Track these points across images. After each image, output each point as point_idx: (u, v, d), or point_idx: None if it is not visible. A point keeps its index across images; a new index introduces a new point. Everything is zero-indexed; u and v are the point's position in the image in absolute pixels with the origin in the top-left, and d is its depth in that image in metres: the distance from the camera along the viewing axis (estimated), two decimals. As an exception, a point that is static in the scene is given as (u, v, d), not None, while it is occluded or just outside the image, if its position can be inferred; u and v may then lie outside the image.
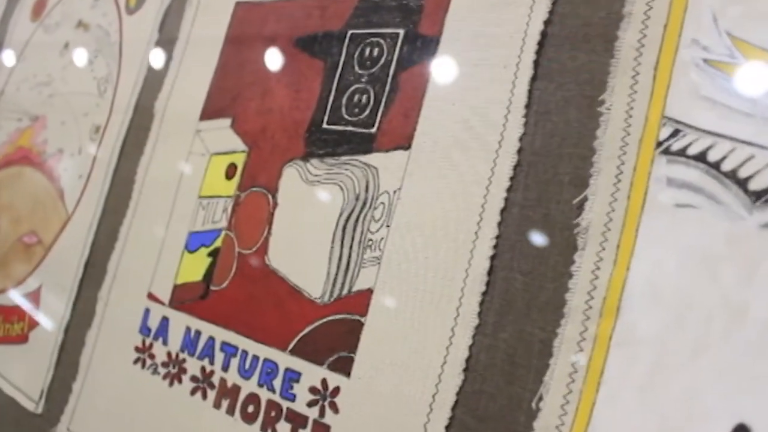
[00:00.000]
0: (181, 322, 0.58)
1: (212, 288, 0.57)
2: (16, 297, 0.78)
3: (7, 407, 0.72)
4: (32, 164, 0.84)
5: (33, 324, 0.74)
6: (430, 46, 0.49)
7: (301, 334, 0.49)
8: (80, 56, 0.83)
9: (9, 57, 0.98)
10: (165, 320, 0.60)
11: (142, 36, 0.75)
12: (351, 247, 0.48)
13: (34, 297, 0.75)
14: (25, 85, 0.92)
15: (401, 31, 0.51)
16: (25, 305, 0.76)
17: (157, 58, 0.72)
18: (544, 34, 0.44)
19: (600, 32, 0.43)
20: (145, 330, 0.61)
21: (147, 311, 0.62)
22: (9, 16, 1.02)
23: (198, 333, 0.57)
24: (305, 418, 0.47)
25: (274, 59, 0.60)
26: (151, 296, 0.62)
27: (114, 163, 0.71)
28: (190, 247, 0.60)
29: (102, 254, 0.69)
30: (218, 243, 0.58)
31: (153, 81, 0.72)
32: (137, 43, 0.75)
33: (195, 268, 0.59)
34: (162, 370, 0.58)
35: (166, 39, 0.72)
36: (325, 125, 0.54)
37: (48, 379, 0.69)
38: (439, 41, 0.49)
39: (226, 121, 0.62)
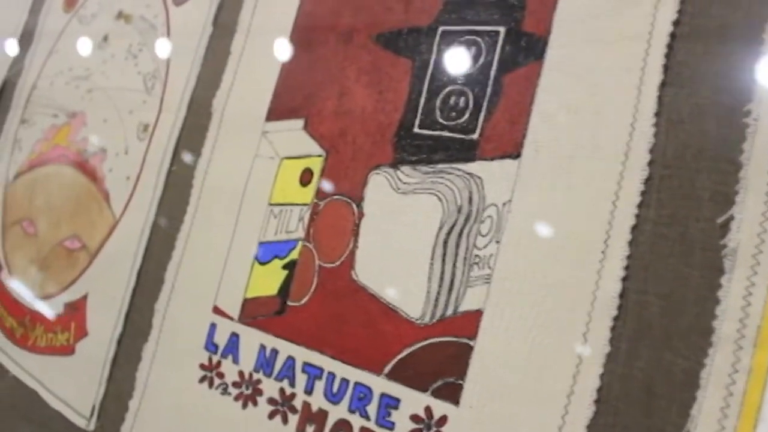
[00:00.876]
0: (253, 339, 0.57)
1: (290, 303, 0.56)
2: (58, 305, 0.76)
3: (53, 421, 0.71)
4: (72, 163, 0.82)
5: (80, 334, 0.73)
6: (536, 47, 0.47)
7: (398, 357, 0.48)
8: (122, 49, 0.81)
9: (41, 49, 0.96)
10: (234, 337, 0.58)
11: (192, 28, 0.73)
12: (454, 264, 0.47)
13: (80, 306, 0.74)
14: (60, 79, 0.90)
15: (501, 29, 0.50)
16: (70, 314, 0.74)
17: (212, 52, 0.70)
18: (672, 35, 0.42)
19: (739, 34, 0.41)
20: (211, 346, 0.60)
21: (213, 326, 0.60)
22: (39, 6, 1.00)
23: (275, 352, 0.55)
24: (408, 448, 0.45)
25: (351, 56, 0.58)
26: (218, 310, 0.60)
27: (167, 165, 0.69)
28: (262, 259, 0.59)
29: (156, 263, 0.67)
30: (294, 255, 0.56)
31: (208, 77, 0.70)
32: (187, 36, 0.73)
33: (268, 281, 0.58)
34: (233, 391, 0.56)
35: (222, 32, 0.70)
36: (416, 129, 0.52)
37: (100, 395, 0.68)
38: (547, 41, 0.47)
39: (298, 123, 0.60)
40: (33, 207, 0.86)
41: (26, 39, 1.01)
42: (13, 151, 0.94)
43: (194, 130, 0.69)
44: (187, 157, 0.69)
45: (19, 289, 0.84)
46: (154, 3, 0.80)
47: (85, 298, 0.74)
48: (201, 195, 0.66)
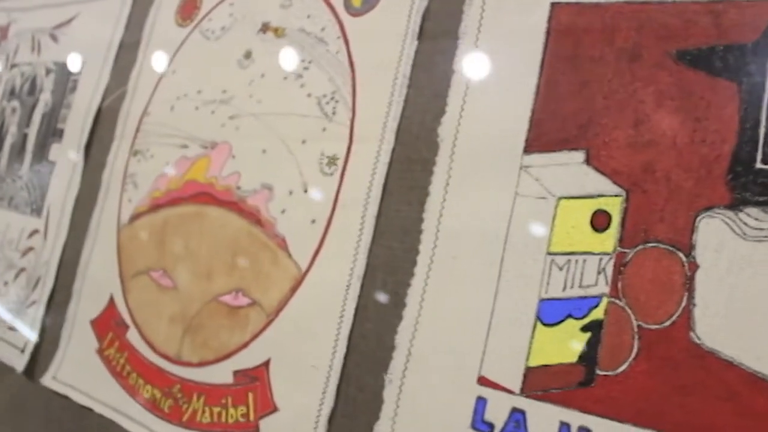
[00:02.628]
0: (548, 415, 0.52)
1: (600, 372, 0.51)
2: (224, 373, 0.70)
3: None
4: (220, 203, 0.76)
5: (264, 409, 0.67)
6: None
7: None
8: (277, 68, 0.76)
9: (148, 69, 0.90)
10: (518, 413, 0.53)
11: (386, 41, 0.68)
12: None
13: (259, 375, 0.68)
14: (184, 104, 0.84)
15: None
16: (245, 384, 0.68)
17: (420, 69, 0.65)
18: None
19: None
20: (481, 425, 0.54)
21: (481, 401, 0.55)
22: (140, 19, 0.94)
23: (585, 430, 0.50)
24: None
25: (643, 77, 0.54)
26: (486, 381, 0.55)
27: (374, 207, 0.64)
28: (548, 320, 0.54)
29: (375, 324, 0.62)
30: (598, 314, 0.52)
31: (419, 99, 0.65)
32: (378, 51, 0.69)
33: (562, 346, 0.53)
34: (529, 479, 0.51)
35: (432, 44, 0.65)
36: (759, 165, 0.48)
37: (310, 484, 0.61)
38: None
39: (576, 156, 0.55)
40: (166, 254, 0.80)
41: (126, 58, 0.95)
42: (125, 189, 0.88)
43: (409, 163, 0.64)
44: (401, 196, 0.63)
45: (159, 352, 0.77)
46: (320, 14, 0.75)
47: (265, 365, 0.68)
48: (436, 242, 0.60)
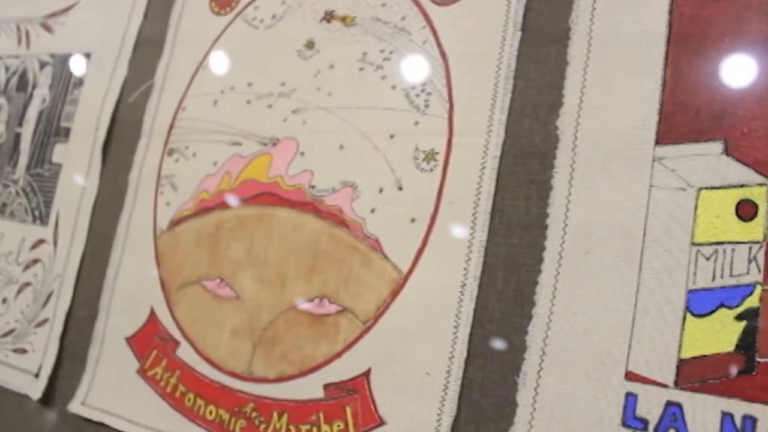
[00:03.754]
0: (708, 406, 0.54)
1: (760, 359, 0.53)
2: (312, 386, 0.69)
3: None
4: (290, 204, 0.75)
5: (367, 423, 0.66)
6: None
7: None
8: (349, 58, 0.76)
9: (179, 61, 0.87)
10: (674, 407, 0.55)
11: (480, 33, 0.70)
12: None
13: (359, 386, 0.67)
14: (232, 98, 0.82)
15: None
16: (341, 397, 0.67)
17: (526, 61, 0.67)
18: None
19: None
20: (633, 422, 0.56)
21: (631, 397, 0.57)
22: (164, 8, 0.91)
23: (751, 420, 0.52)
24: None
25: (780, 67, 0.57)
26: (634, 376, 0.57)
27: (488, 201, 0.65)
28: (698, 310, 0.56)
29: (498, 324, 0.63)
30: (752, 302, 0.55)
31: (532, 93, 0.67)
32: (475, 42, 0.70)
33: (716, 336, 0.55)
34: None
35: (540, 37, 0.67)
36: None
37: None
38: None
39: (714, 146, 0.58)
40: (222, 262, 0.78)
41: (146, 49, 0.91)
42: (160, 191, 0.84)
43: (523, 156, 0.65)
44: (519, 191, 0.64)
45: (222, 369, 0.74)
46: (397, 2, 0.75)
47: (365, 376, 0.67)
48: (564, 237, 0.62)
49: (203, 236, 0.81)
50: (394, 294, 0.68)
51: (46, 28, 1.04)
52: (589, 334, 0.60)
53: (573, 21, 0.66)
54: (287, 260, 0.74)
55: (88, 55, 0.98)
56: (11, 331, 0.93)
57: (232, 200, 0.80)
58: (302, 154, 0.77)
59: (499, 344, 0.63)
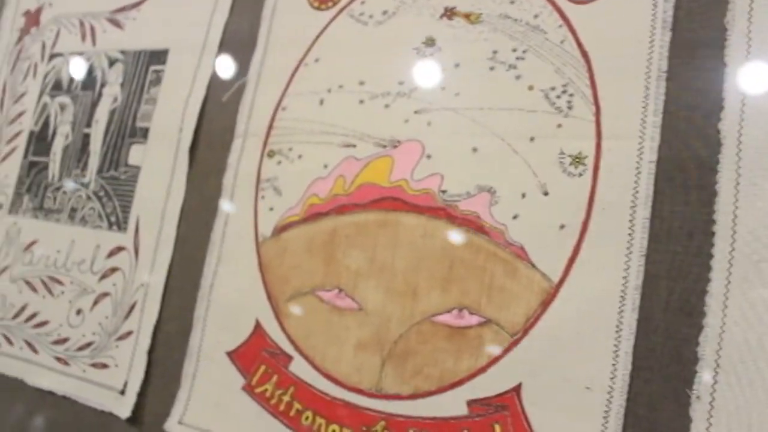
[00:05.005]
0: None
1: None
2: (455, 402, 0.68)
3: None
4: (418, 210, 0.74)
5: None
6: None
7: None
8: (476, 57, 0.76)
9: (273, 57, 0.87)
10: None
11: (624, 33, 0.70)
12: None
13: (509, 402, 0.67)
14: (342, 97, 0.82)
15: None
16: (488, 414, 0.67)
17: (682, 63, 0.67)
18: None
19: None
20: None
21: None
22: (257, 4, 0.90)
23: None
24: None
25: None
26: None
27: (646, 208, 0.65)
28: None
29: (664, 336, 0.63)
30: None
31: (687, 96, 0.67)
32: (615, 42, 0.70)
33: None
34: None
35: (693, 38, 0.68)
36: None
37: None
38: None
39: None
40: (340, 271, 0.77)
41: (234, 45, 0.90)
42: (261, 195, 0.83)
43: (680, 161, 0.66)
44: (678, 197, 0.65)
45: (346, 385, 0.73)
46: (528, -1, 0.75)
47: (515, 391, 0.67)
48: (734, 244, 0.62)
49: (316, 243, 0.80)
50: (545, 304, 0.67)
51: (115, 23, 1.03)
52: (764, 347, 0.60)
53: (729, 22, 0.67)
54: (418, 269, 0.74)
55: (164, 52, 0.96)
56: (88, 345, 0.91)
57: (347, 206, 0.79)
58: (429, 156, 0.76)
59: (666, 356, 0.63)
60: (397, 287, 0.74)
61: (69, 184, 0.99)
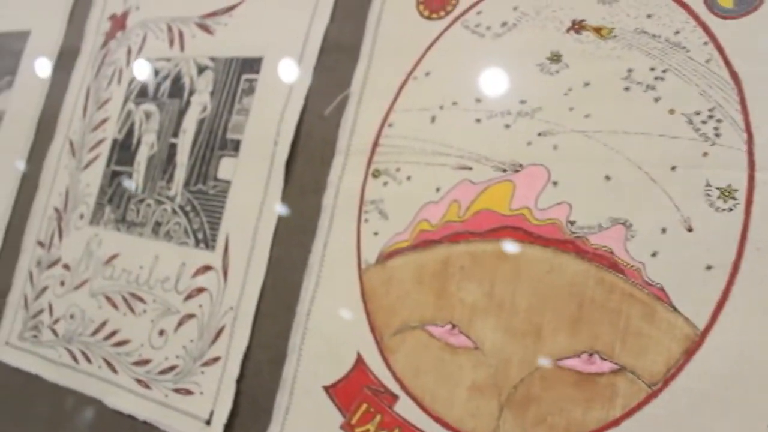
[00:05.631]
0: None
1: None
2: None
3: None
4: (542, 242, 0.70)
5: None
6: None
7: None
8: (609, 75, 0.71)
9: (380, 68, 0.83)
10: None
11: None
12: None
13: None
14: (456, 114, 0.78)
15: None
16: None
17: None
18: None
19: None
20: None
21: None
22: (355, 9, 0.87)
23: None
24: None
25: None
26: None
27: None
28: None
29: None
30: None
31: None
32: (764, 63, 0.64)
33: None
34: None
35: None
36: None
37: None
38: None
39: None
40: (454, 305, 0.73)
41: (333, 54, 0.87)
42: (365, 218, 0.80)
43: None
44: None
45: (459, 431, 0.69)
46: (667, 13, 0.70)
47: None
48: None
49: (426, 273, 0.76)
50: (689, 353, 0.62)
51: (204, 28, 1.00)
52: None
53: None
54: (542, 308, 0.69)
55: (258, 60, 0.94)
56: (171, 368, 0.88)
57: (462, 234, 0.75)
58: (555, 183, 0.72)
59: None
60: (518, 326, 0.70)
61: (150, 197, 0.97)
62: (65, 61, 1.18)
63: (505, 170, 0.75)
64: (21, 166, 1.16)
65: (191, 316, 0.89)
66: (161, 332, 0.91)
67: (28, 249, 1.12)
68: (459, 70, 0.80)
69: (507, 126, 0.76)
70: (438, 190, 0.77)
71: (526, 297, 0.70)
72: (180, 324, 0.90)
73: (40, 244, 1.10)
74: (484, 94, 0.78)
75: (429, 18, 0.84)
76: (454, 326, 0.73)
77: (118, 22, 1.11)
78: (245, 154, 0.92)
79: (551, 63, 0.75)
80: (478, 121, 0.77)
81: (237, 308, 0.86)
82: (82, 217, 1.06)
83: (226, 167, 0.92)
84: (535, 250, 0.71)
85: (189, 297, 0.90)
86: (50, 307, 1.06)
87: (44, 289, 1.08)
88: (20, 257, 1.13)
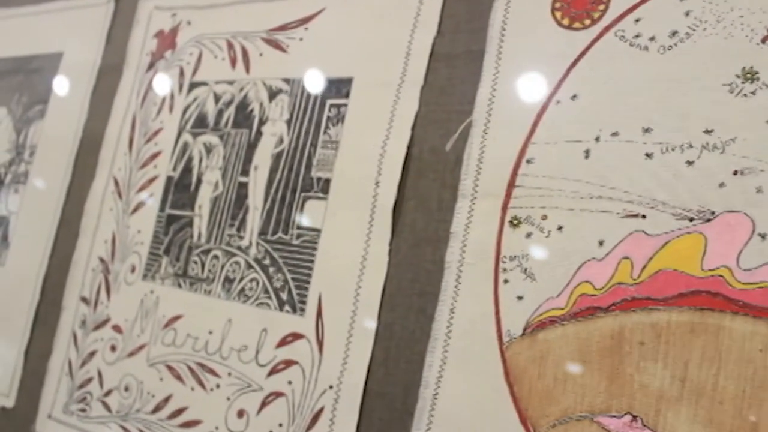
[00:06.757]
0: None
1: None
2: None
3: None
4: (751, 312, 0.57)
5: None
6: None
7: None
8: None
9: (516, 92, 0.70)
10: None
11: None
12: None
13: None
14: (618, 148, 0.66)
15: None
16: None
17: None
18: None
19: None
20: None
21: None
22: (477, 20, 0.74)
23: None
24: None
25: None
26: None
27: None
28: None
29: None
30: None
31: None
32: None
33: None
34: None
35: None
36: None
37: None
38: None
39: None
40: (632, 390, 0.61)
41: (443, 72, 0.74)
42: (504, 279, 0.67)
43: None
44: None
45: None
46: None
47: None
48: None
49: (593, 350, 0.63)
50: None
51: (275, 44, 0.87)
52: None
53: None
54: (756, 395, 0.56)
55: (347, 81, 0.80)
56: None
57: (637, 301, 0.62)
58: (762, 236, 0.58)
59: None
60: (723, 419, 0.57)
61: (217, 248, 0.84)
62: (105, 86, 1.05)
63: (691, 219, 0.61)
64: (58, 209, 1.03)
65: (278, 394, 0.76)
66: (241, 413, 0.78)
67: (71, 306, 0.99)
68: (617, 92, 0.67)
69: (689, 162, 0.63)
70: (601, 243, 0.64)
71: (732, 381, 0.57)
72: (264, 404, 0.77)
73: (84, 300, 0.97)
74: (655, 123, 0.65)
75: (570, 27, 0.71)
76: (634, 417, 0.60)
77: (167, 40, 0.98)
78: (337, 197, 0.78)
79: (744, 82, 0.62)
80: (649, 156, 0.64)
81: (339, 387, 0.72)
82: (133, 270, 0.93)
83: (312, 212, 0.79)
84: (742, 321, 0.58)
85: (274, 371, 0.77)
86: (100, 375, 0.93)
87: (92, 354, 0.94)
88: (61, 316, 1.00)
